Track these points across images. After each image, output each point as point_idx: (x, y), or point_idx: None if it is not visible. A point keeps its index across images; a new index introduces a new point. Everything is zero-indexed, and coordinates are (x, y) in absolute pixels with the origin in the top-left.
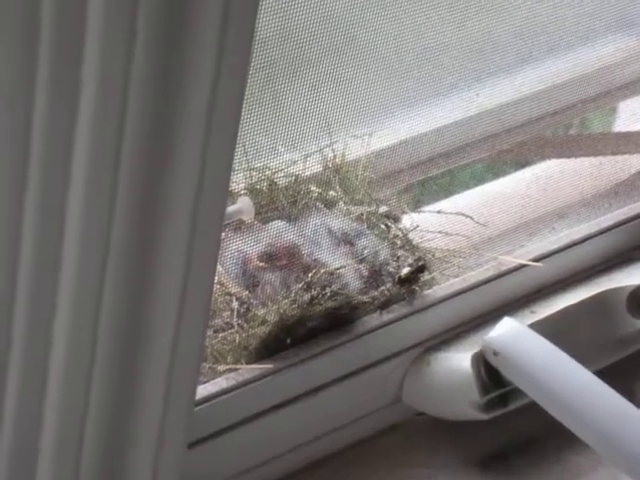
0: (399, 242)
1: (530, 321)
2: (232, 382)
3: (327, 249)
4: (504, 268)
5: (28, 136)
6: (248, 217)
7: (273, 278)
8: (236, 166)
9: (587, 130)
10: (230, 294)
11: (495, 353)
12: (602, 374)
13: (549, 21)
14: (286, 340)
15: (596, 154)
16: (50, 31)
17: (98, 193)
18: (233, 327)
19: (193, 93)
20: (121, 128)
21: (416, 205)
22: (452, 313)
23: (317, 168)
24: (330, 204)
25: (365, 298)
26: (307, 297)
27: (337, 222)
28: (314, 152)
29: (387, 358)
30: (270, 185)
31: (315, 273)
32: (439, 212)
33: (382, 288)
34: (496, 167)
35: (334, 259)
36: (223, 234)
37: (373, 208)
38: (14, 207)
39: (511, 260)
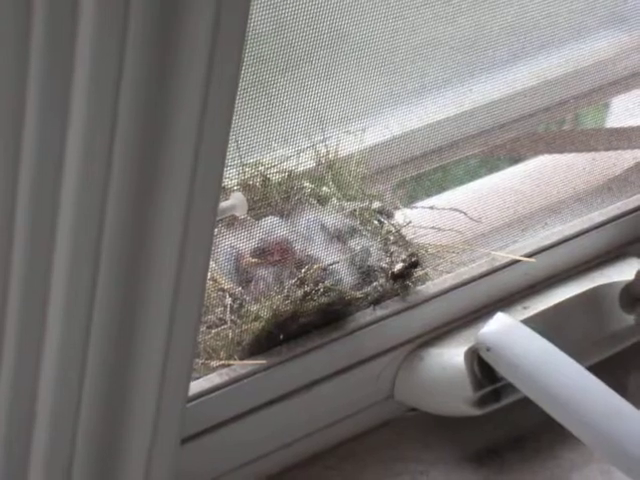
0: (392, 238)
1: (523, 317)
2: (225, 378)
3: (320, 245)
4: (497, 264)
5: (19, 135)
6: (241, 213)
7: (266, 274)
8: (229, 162)
9: (580, 126)
10: (223, 290)
11: (488, 349)
12: (595, 369)
13: (541, 17)
14: (279, 336)
15: (589, 150)
16: (42, 32)
17: (91, 188)
18: (226, 323)
19: (185, 89)
20: (113, 125)
21: (409, 201)
22: (445, 309)
23: (310, 164)
24: (323, 200)
25: (358, 294)
26: (300, 293)
27: (330, 218)
28: (307, 148)
29: (380, 354)
30: (263, 181)
31: (308, 269)
32: (432, 208)
33: (375, 284)
34: (489, 163)
35: (327, 255)
36: (216, 230)
37: (366, 204)
38: (6, 204)
39: (504, 256)
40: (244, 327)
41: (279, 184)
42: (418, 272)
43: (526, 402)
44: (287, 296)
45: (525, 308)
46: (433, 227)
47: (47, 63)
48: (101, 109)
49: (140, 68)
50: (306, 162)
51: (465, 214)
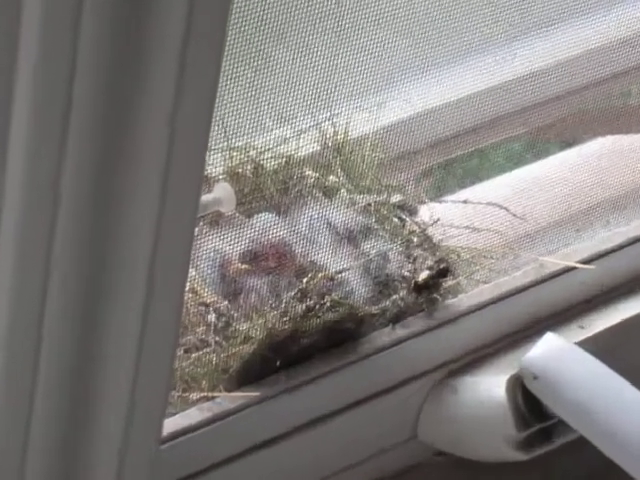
0: (416, 239)
1: (578, 338)
2: (208, 414)
3: (326, 248)
4: (546, 272)
5: None
6: (228, 208)
7: (259, 284)
8: (213, 145)
9: None
10: (206, 304)
11: (535, 377)
12: None
13: None
14: (275, 361)
15: None
16: None
17: (39, 180)
18: (209, 345)
19: (159, 52)
20: (69, 82)
21: (437, 193)
22: (482, 328)
23: (314, 147)
24: (330, 192)
25: (373, 309)
26: (301, 308)
27: (339, 215)
28: (310, 127)
29: (401, 384)
30: (255, 168)
31: (311, 278)
32: (465, 202)
33: (395, 297)
34: (536, 146)
35: (335, 261)
36: (197, 230)
37: (384, 197)
38: None
39: (555, 262)
40: (231, 350)
41: (275, 172)
42: (448, 282)
43: (581, 443)
44: (285, 312)
45: (581, 327)
46: (467, 226)
47: None
48: (57, 57)
49: (102, 29)
50: (309, 145)
51: (507, 210)
